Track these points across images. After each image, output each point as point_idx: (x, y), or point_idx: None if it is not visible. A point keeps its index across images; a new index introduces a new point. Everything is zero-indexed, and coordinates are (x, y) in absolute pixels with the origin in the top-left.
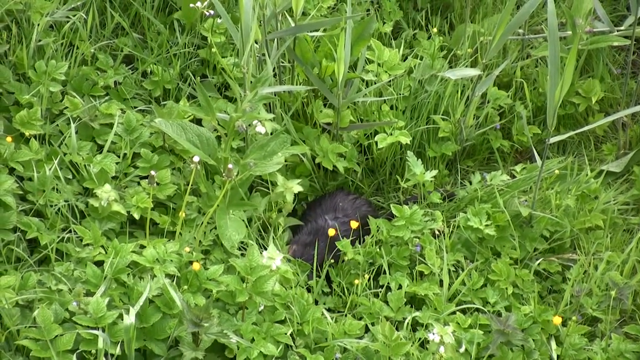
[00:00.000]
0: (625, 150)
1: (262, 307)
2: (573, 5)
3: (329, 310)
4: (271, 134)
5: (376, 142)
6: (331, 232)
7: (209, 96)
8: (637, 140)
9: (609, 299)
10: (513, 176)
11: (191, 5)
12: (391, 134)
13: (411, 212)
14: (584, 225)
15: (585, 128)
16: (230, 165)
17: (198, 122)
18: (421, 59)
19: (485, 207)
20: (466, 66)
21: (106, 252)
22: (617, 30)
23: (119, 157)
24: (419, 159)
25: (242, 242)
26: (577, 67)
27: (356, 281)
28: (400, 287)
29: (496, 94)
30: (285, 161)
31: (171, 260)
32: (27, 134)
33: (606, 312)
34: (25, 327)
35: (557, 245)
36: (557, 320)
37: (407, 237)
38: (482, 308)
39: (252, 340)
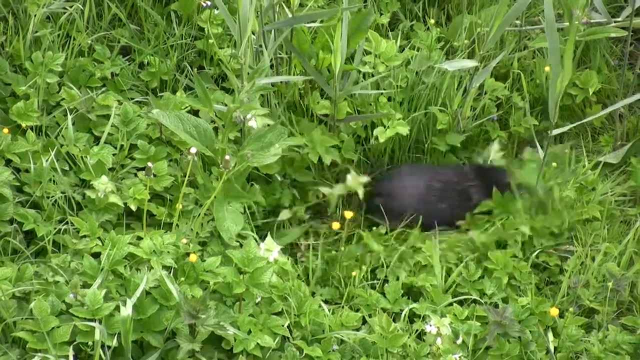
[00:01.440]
0: (622, 142)
1: (259, 299)
2: None
3: (326, 302)
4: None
5: (376, 136)
6: None
7: (206, 87)
8: (634, 132)
9: (606, 291)
10: None
11: None
12: (389, 127)
13: None
14: (581, 217)
15: (586, 120)
16: (227, 157)
17: (195, 113)
18: (418, 50)
19: None
20: (463, 57)
21: (103, 244)
22: (614, 22)
23: (115, 148)
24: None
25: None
26: (574, 59)
27: (353, 273)
28: (397, 279)
29: (493, 85)
30: (283, 154)
31: (168, 252)
32: (23, 125)
33: (603, 304)
34: (22, 319)
35: (556, 239)
36: (554, 311)
37: None
38: (479, 299)
39: (249, 332)
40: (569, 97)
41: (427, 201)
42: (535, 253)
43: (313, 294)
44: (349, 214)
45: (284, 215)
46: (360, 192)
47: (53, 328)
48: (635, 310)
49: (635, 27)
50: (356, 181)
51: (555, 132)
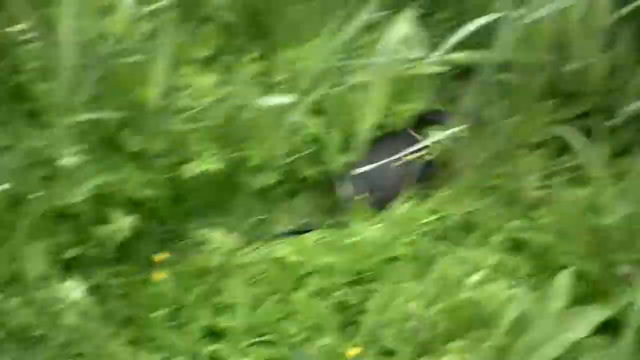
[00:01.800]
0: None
1: (57, 340)
2: (389, 33)
3: (127, 343)
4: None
5: (187, 171)
6: None
7: (20, 123)
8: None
9: (407, 330)
10: None
11: (7, 29)
12: (201, 163)
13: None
14: (387, 256)
15: (398, 156)
16: (37, 194)
17: (8, 149)
18: (236, 85)
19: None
20: (282, 93)
21: None
22: (433, 56)
23: None
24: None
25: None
26: (393, 92)
27: (155, 314)
28: (199, 319)
29: (309, 121)
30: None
31: None
32: None
33: (403, 343)
34: None
35: (360, 278)
36: (354, 351)
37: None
38: (281, 340)
39: None
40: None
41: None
42: (337, 292)
43: (114, 334)
44: (159, 257)
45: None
46: (125, 232)
47: None
48: (434, 350)
49: (455, 62)
50: (119, 220)
51: (360, 170)
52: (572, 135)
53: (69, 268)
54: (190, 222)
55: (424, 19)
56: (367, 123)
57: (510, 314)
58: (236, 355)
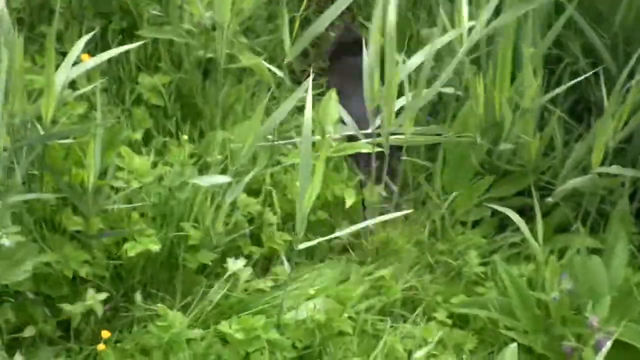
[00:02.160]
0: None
1: None
2: (320, 113)
3: None
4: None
5: (126, 251)
6: None
7: None
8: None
9: None
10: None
11: None
12: (140, 243)
13: None
14: (332, 332)
15: (334, 236)
16: None
17: None
18: (172, 166)
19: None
20: (217, 173)
21: None
22: (364, 134)
23: None
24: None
25: None
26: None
27: None
28: None
29: (246, 200)
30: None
31: None
32: None
33: None
34: None
35: (306, 354)
36: None
37: None
38: None
39: None
40: (324, 211)
41: None
42: None
43: None
44: (104, 335)
45: (29, 332)
46: (99, 310)
47: None
48: None
49: (381, 142)
50: (94, 299)
51: (302, 246)
52: (511, 213)
53: (12, 348)
54: (133, 300)
55: None
56: (307, 203)
57: None
58: None
